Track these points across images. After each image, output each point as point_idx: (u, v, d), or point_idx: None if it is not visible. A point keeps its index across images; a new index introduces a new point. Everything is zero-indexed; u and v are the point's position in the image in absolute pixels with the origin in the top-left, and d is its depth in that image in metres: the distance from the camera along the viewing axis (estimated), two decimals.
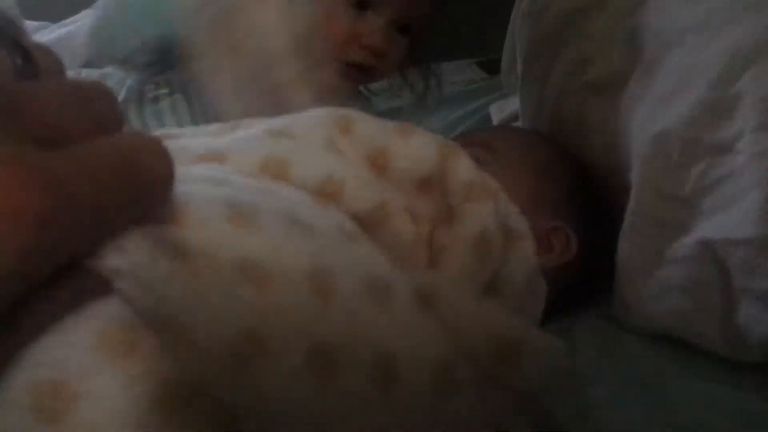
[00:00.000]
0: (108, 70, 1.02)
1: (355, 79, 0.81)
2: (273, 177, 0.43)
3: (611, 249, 0.62)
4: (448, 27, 0.96)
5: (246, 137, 0.47)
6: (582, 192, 0.66)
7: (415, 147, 0.51)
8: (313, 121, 0.49)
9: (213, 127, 0.51)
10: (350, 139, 0.50)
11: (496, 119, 1.12)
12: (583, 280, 0.64)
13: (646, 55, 0.65)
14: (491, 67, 1.28)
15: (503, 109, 1.12)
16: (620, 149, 0.64)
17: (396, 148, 0.50)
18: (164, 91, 0.80)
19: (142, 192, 0.25)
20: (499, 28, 1.08)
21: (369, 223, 0.44)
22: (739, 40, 0.53)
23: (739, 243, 0.49)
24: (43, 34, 1.42)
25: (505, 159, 0.65)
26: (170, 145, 0.26)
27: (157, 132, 0.55)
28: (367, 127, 0.51)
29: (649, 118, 0.60)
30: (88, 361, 0.25)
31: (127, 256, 0.25)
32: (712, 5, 0.59)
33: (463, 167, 0.52)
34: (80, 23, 1.42)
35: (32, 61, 0.25)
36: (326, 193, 0.43)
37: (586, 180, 0.69)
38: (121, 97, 0.83)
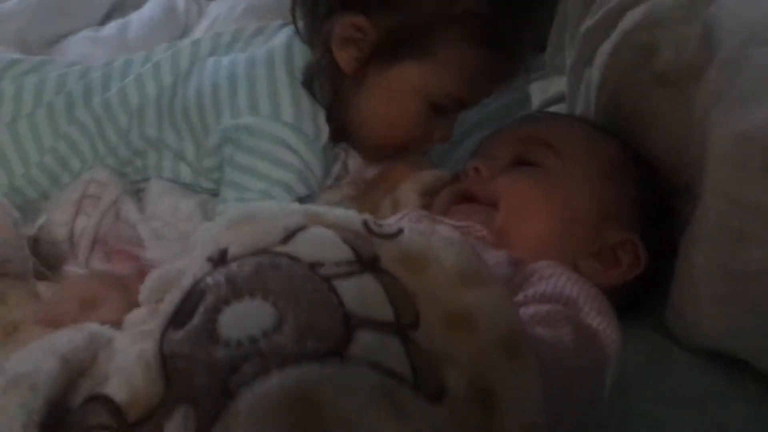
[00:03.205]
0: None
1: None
2: None
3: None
4: None
5: None
6: (652, 198, 0.61)
7: None
8: None
9: None
10: None
11: (537, 100, 1.06)
12: (644, 291, 0.60)
13: (727, 48, 0.59)
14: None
15: (546, 90, 1.06)
16: (690, 147, 0.59)
17: None
18: None
19: None
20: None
21: None
22: None
23: None
24: None
25: (570, 160, 0.60)
26: None
27: None
28: None
29: (730, 118, 0.54)
30: None
31: None
32: None
33: None
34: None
35: None
36: None
37: (656, 184, 0.63)
38: None
